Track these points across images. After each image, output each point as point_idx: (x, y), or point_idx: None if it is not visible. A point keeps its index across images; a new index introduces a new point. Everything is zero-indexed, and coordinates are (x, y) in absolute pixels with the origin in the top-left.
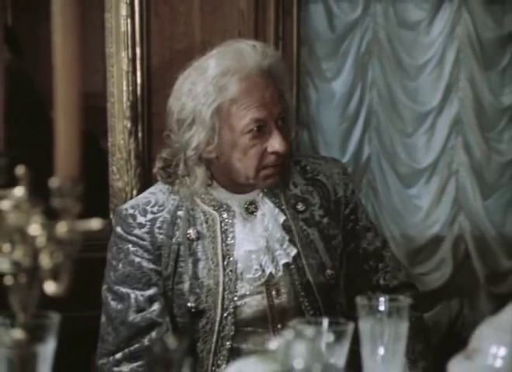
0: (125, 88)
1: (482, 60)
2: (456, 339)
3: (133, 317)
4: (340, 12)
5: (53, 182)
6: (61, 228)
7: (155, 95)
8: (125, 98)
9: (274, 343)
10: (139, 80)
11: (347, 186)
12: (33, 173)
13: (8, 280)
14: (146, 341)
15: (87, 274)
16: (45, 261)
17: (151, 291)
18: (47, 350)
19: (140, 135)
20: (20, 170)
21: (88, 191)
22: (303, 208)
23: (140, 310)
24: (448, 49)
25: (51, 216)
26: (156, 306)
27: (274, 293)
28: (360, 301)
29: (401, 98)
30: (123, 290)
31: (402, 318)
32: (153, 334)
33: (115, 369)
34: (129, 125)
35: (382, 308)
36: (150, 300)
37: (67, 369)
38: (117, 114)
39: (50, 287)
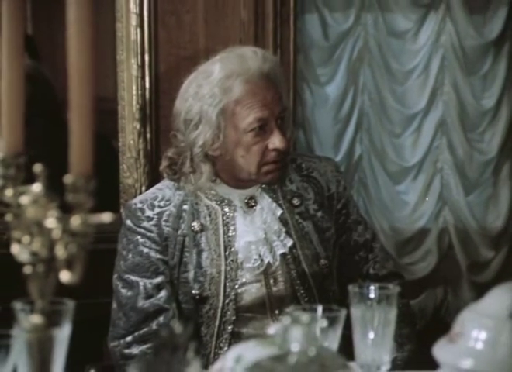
0: (134, 92)
1: (464, 66)
2: (441, 324)
3: (142, 303)
4: (334, 22)
5: (68, 179)
6: (75, 221)
7: (162, 99)
8: (134, 102)
9: (272, 328)
10: (147, 85)
11: (339, 183)
12: (50, 171)
13: (27, 270)
14: (154, 325)
15: (99, 264)
16: (60, 252)
17: (159, 279)
18: (63, 334)
19: (148, 135)
20: (38, 167)
21: (101, 187)
22: (299, 202)
23: (148, 297)
24: (433, 57)
25: (66, 210)
26: (163, 293)
27: (272, 281)
28: (352, 289)
29: (390, 101)
30: (133, 278)
31: (391, 305)
32: (161, 319)
33: (126, 351)
34: (138, 126)
35: (372, 295)
36: (158, 287)
37: (81, 351)
38: (127, 116)
39: (65, 275)
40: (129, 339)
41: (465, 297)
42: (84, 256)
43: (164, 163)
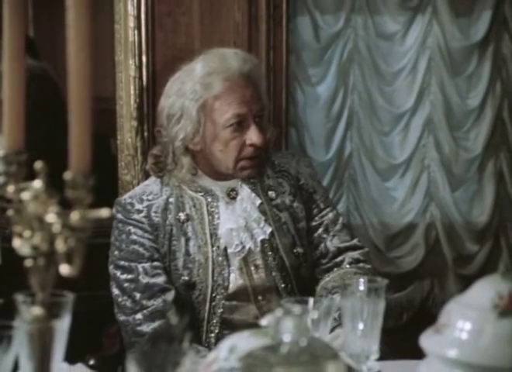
0: (132, 92)
1: (450, 67)
2: (427, 315)
3: (145, 280)
4: (325, 24)
5: (67, 175)
6: (74, 216)
7: (159, 98)
8: (132, 101)
9: (265, 320)
10: (144, 85)
11: (309, 175)
12: (50, 168)
13: (29, 263)
14: (160, 302)
15: (97, 258)
16: (60, 246)
17: (155, 263)
18: (63, 325)
19: (145, 134)
20: (38, 164)
21: (100, 183)
22: (274, 195)
23: (149, 275)
24: (420, 58)
25: (66, 206)
26: (162, 276)
27: (253, 269)
28: (342, 282)
29: (379, 100)
30: (131, 264)
31: (379, 297)
32: (166, 296)
33: (138, 328)
34: (135, 124)
35: (361, 288)
36: (156, 268)
37: (80, 341)
38: (125, 115)
39: (65, 269)
40: (138, 316)
41: (450, 290)
42: (82, 249)
43: (149, 161)
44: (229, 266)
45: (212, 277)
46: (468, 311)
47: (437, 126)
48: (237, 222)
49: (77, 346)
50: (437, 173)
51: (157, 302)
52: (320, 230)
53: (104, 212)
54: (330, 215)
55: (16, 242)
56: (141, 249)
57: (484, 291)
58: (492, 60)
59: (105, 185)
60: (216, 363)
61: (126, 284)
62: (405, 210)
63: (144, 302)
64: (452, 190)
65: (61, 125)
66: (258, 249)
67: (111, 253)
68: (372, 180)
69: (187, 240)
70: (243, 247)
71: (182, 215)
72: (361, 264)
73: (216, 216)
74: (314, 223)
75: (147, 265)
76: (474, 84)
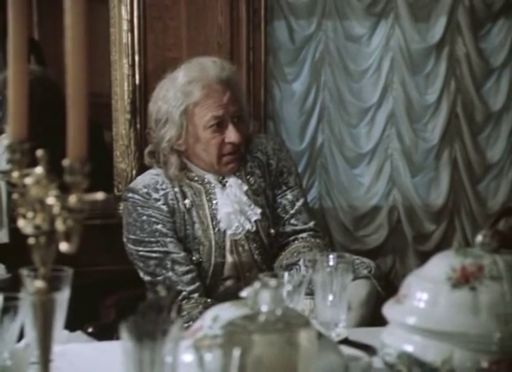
0: (126, 88)
1: (411, 66)
2: (390, 288)
3: (174, 251)
4: (299, 28)
5: (66, 162)
6: (72, 199)
7: (150, 94)
8: (126, 96)
9: (244, 292)
10: (137, 82)
11: (279, 159)
12: (50, 156)
13: (31, 241)
14: (190, 267)
15: (93, 237)
16: (59, 225)
17: (177, 241)
18: (63, 297)
19: (138, 126)
20: (40, 152)
21: (97, 170)
22: (253, 181)
23: (177, 248)
24: (384, 58)
25: (64, 190)
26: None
27: (241, 249)
28: (314, 257)
29: (347, 96)
30: (158, 239)
31: (347, 271)
32: (193, 265)
33: (177, 287)
34: (129, 117)
35: (331, 263)
36: (179, 245)
37: (79, 312)
38: (120, 109)
39: (64, 246)
40: (174, 278)
41: (410, 264)
42: (80, 229)
43: (147, 159)
44: (225, 247)
45: (215, 257)
46: (425, 283)
47: (399, 119)
48: (233, 206)
49: (77, 316)
50: (399, 161)
51: (188, 267)
52: (279, 210)
53: (99, 195)
54: (289, 196)
55: (20, 223)
56: (164, 229)
57: (439, 266)
58: (447, 61)
59: (102, 172)
60: (201, 331)
61: (155, 255)
62: (370, 194)
63: (176, 267)
64: (412, 176)
65: (60, 120)
66: (255, 228)
67: (129, 233)
68: (342, 167)
69: (193, 225)
70: (243, 228)
71: (187, 203)
72: (312, 239)
73: (214, 202)
74: (275, 204)
75: (173, 239)
76: (431, 81)
